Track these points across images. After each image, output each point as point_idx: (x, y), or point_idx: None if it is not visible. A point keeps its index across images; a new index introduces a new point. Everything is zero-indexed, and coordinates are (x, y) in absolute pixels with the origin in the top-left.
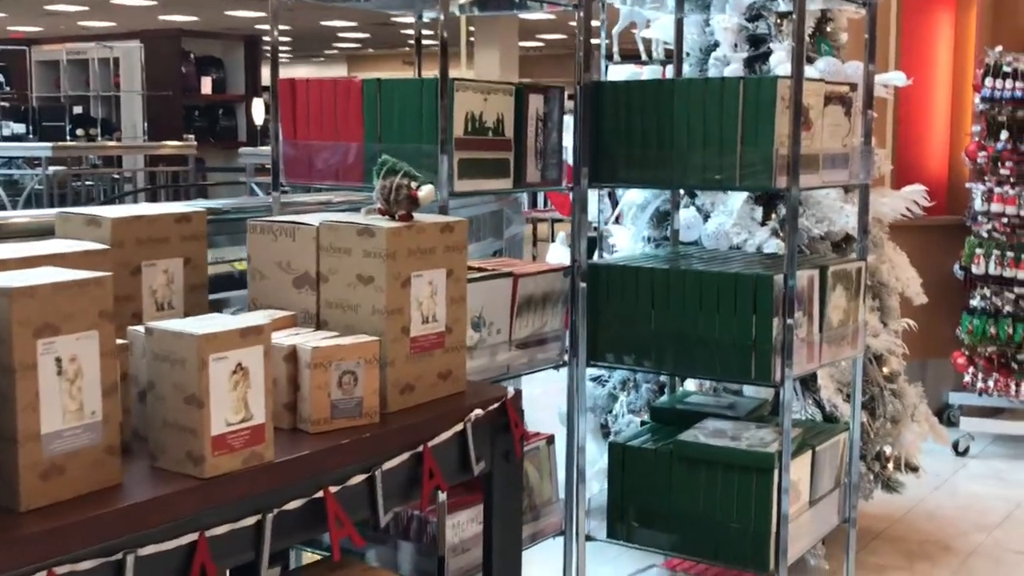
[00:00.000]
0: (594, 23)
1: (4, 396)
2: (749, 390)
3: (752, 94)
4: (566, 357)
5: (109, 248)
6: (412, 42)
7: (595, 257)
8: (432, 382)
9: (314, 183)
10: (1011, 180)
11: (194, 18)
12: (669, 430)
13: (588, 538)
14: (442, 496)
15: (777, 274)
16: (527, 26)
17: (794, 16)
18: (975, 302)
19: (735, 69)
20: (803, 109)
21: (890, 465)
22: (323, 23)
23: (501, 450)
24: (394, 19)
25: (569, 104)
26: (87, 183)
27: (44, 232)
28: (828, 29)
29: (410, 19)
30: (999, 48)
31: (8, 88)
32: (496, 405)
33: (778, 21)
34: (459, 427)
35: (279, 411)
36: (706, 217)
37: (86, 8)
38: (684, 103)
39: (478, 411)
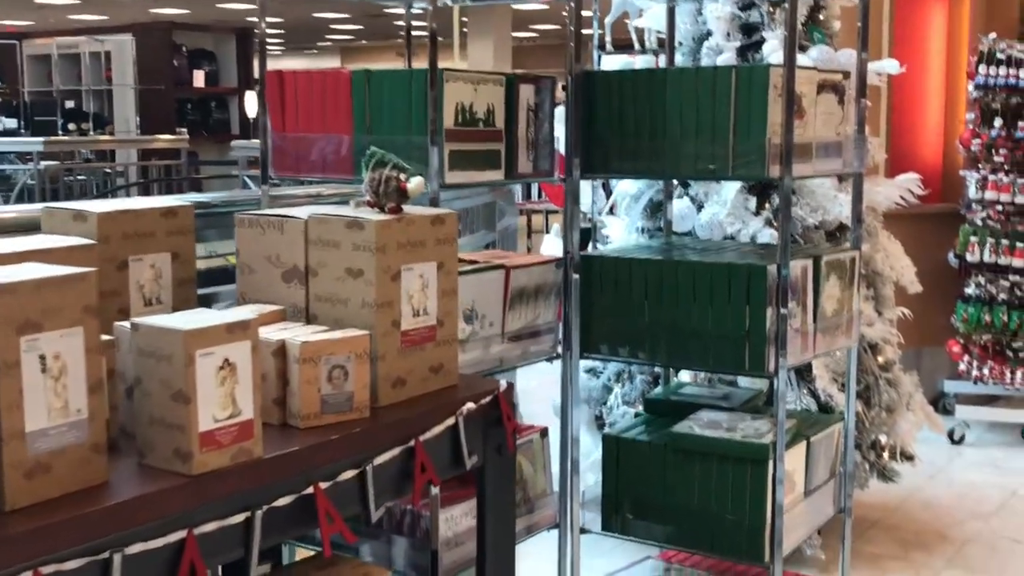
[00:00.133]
0: (586, 13)
1: None
2: (744, 381)
3: (745, 83)
4: (559, 349)
5: (95, 243)
6: (417, 33)
7: (589, 248)
8: (423, 376)
9: (303, 176)
10: (1005, 167)
11: (186, 11)
12: (663, 421)
13: (583, 531)
14: (435, 490)
15: (771, 264)
16: (520, 16)
17: (787, 5)
18: (970, 290)
19: (728, 58)
20: (796, 98)
21: (885, 454)
22: (315, 15)
23: (493, 444)
24: (387, 11)
25: (562, 95)
26: (79, 178)
27: (30, 227)
28: (821, 17)
29: (402, 10)
30: (993, 35)
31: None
32: (488, 399)
33: (771, 9)
34: (451, 421)
35: (268, 406)
36: (700, 207)
37: (77, 2)
38: (676, 92)
39: (470, 405)
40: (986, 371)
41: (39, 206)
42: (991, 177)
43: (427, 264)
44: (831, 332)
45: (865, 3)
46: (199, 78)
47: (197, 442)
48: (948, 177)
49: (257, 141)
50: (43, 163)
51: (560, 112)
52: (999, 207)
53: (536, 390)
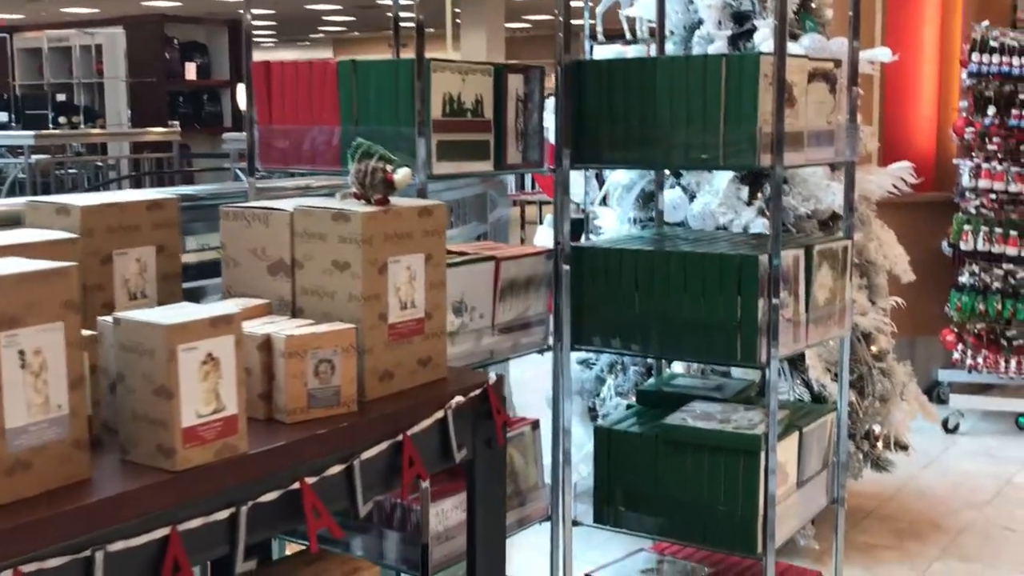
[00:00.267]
0: (576, 3)
1: None
2: (737, 371)
3: (735, 72)
4: (551, 341)
5: (78, 237)
6: (405, 24)
7: (583, 239)
8: (412, 369)
9: (290, 168)
10: (999, 155)
11: (177, 3)
12: (655, 413)
13: (575, 523)
14: (425, 484)
15: (762, 254)
16: (513, 7)
17: None
18: (964, 279)
19: (719, 47)
20: (787, 86)
21: (879, 444)
22: (307, 7)
23: (483, 437)
24: (378, 1)
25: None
26: (70, 171)
27: (13, 222)
28: (813, 5)
29: (391, 0)
30: (986, 23)
31: None
32: (478, 392)
33: None
34: (439, 414)
35: (254, 401)
36: (692, 197)
37: None
38: (666, 82)
39: (459, 398)
40: (980, 360)
41: (22, 200)
42: (984, 165)
43: (415, 256)
44: (823, 322)
45: None
46: (191, 71)
47: (180, 438)
48: (941, 165)
49: None
50: (34, 157)
51: (552, 103)
52: (992, 195)
53: (531, 381)
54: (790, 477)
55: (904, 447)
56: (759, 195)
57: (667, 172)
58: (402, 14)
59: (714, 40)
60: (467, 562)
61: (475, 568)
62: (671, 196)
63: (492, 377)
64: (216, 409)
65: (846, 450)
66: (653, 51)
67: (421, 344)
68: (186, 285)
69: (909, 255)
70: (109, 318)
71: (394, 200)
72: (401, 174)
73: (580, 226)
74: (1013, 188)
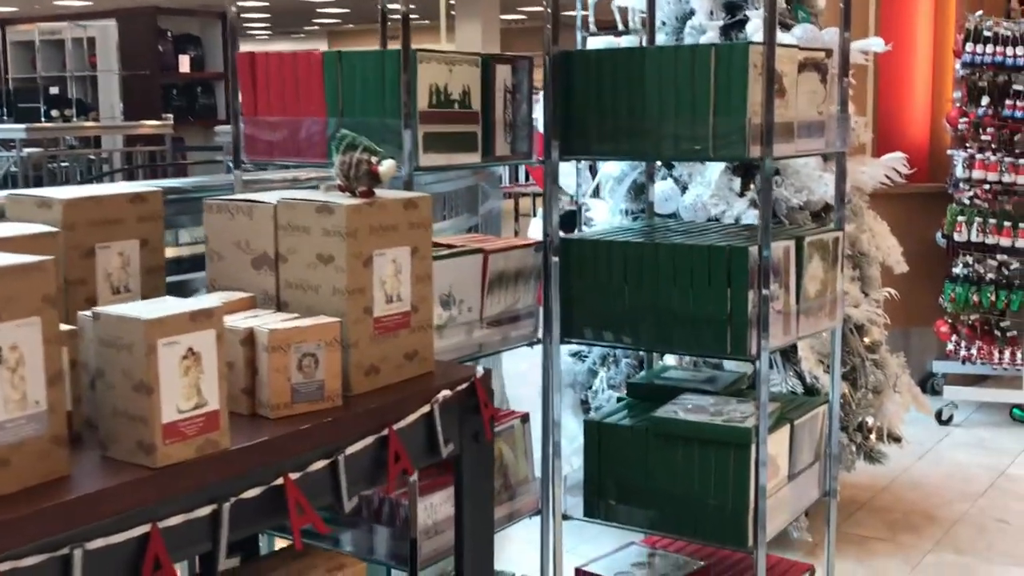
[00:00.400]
0: None
1: None
2: (729, 364)
3: (724, 62)
4: (540, 334)
5: (59, 231)
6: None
7: (577, 231)
8: (398, 363)
9: (276, 160)
10: (992, 146)
11: None
12: (646, 406)
13: (565, 517)
14: (413, 478)
15: (752, 246)
16: None
17: None
18: (957, 270)
19: (711, 37)
20: (776, 76)
21: (872, 436)
22: None
23: (470, 431)
24: None
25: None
26: (63, 164)
27: None
28: None
29: None
30: (979, 12)
31: None
32: (465, 385)
33: None
34: (426, 409)
35: (238, 396)
36: (684, 189)
37: None
38: (655, 72)
39: (446, 392)
40: (974, 351)
41: (2, 193)
42: (978, 156)
43: (400, 249)
44: (814, 314)
45: None
46: (184, 63)
47: (160, 434)
48: (935, 156)
49: None
50: (26, 150)
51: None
52: (986, 186)
53: (526, 373)
54: (781, 470)
55: (897, 439)
56: (751, 186)
57: (659, 163)
58: (393, 5)
59: (706, 31)
60: (455, 557)
61: (462, 563)
62: (663, 188)
63: (480, 371)
64: (197, 404)
65: (838, 443)
66: (646, 42)
67: (407, 338)
68: (180, 278)
69: (903, 246)
70: (89, 312)
71: (379, 192)
72: (386, 166)
73: (573, 218)
74: (1007, 178)
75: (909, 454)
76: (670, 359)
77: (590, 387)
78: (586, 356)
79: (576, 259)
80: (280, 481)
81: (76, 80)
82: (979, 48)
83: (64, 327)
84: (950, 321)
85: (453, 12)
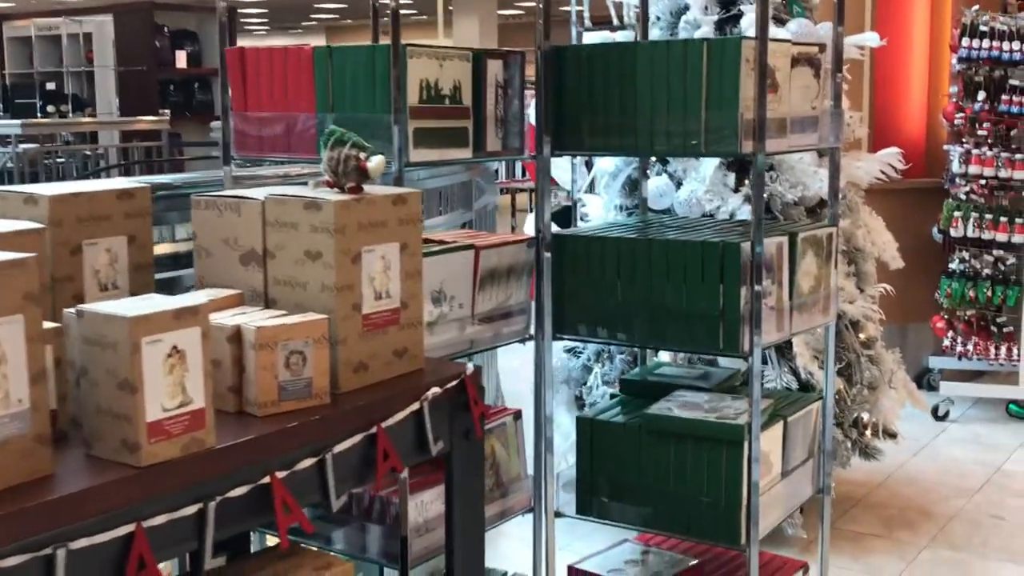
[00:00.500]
0: None
1: None
2: (724, 360)
3: (716, 56)
4: (533, 330)
5: (46, 227)
6: (388, 12)
7: (573, 226)
8: (387, 360)
9: (267, 156)
10: (988, 141)
11: None
12: (639, 402)
13: (557, 514)
14: (403, 476)
15: (744, 241)
16: None
17: None
18: (954, 265)
19: (705, 32)
20: (769, 71)
21: (868, 432)
22: None
23: (460, 429)
24: None
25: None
26: (59, 160)
27: None
28: None
29: None
30: (976, 7)
31: None
32: (455, 383)
33: None
34: (415, 406)
35: (225, 394)
36: (678, 184)
37: None
38: (648, 67)
39: (435, 389)
40: (970, 347)
41: None
42: (975, 151)
43: (389, 245)
44: (808, 310)
45: None
46: (181, 59)
47: (145, 433)
48: (931, 151)
49: None
50: (22, 146)
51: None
52: (983, 181)
53: (520, 369)
54: (774, 467)
55: (893, 435)
56: (746, 182)
57: (653, 159)
58: (386, 0)
59: (700, 25)
60: (445, 555)
61: (453, 561)
62: (657, 183)
63: (470, 368)
64: (182, 403)
65: (832, 439)
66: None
67: (396, 335)
68: (177, 273)
69: (899, 242)
70: (73, 310)
71: (368, 188)
72: (375, 162)
73: (568, 213)
74: (1003, 174)
75: (905, 450)
76: (664, 355)
77: (584, 383)
78: (581, 352)
79: (569, 255)
80: (267, 480)
81: (72, 76)
82: (975, 43)
83: (51, 325)
84: (946, 317)
85: (451, 7)
